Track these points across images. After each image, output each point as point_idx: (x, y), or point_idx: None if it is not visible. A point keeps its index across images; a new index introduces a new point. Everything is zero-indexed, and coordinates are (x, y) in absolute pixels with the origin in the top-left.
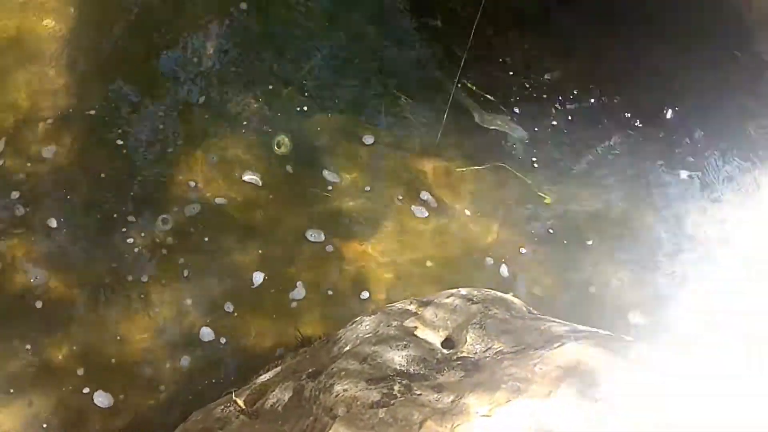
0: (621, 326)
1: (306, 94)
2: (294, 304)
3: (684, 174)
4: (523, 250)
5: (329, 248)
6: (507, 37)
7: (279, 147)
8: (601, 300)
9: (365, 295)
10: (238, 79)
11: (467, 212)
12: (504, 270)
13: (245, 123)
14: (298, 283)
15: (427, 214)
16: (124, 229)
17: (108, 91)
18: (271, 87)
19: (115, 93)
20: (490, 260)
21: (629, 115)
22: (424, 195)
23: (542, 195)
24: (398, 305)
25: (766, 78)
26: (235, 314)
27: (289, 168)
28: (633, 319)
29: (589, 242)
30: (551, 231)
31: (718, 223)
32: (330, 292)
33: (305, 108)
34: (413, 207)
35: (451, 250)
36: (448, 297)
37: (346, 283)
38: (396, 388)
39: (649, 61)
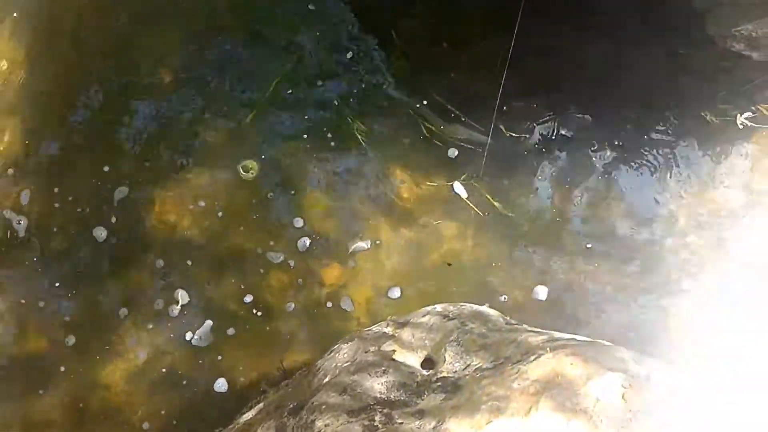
0: None
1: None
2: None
3: (644, 165)
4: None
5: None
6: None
7: (246, 171)
8: None
9: (347, 306)
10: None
11: (437, 223)
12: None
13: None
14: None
15: (398, 228)
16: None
17: (65, 128)
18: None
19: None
20: (465, 268)
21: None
22: (395, 210)
23: (497, 204)
24: (375, 329)
25: (719, 63)
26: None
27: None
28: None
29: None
30: None
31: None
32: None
33: (270, 133)
34: (384, 222)
35: (426, 261)
36: (424, 316)
37: (325, 303)
38: (377, 418)
39: (602, 57)
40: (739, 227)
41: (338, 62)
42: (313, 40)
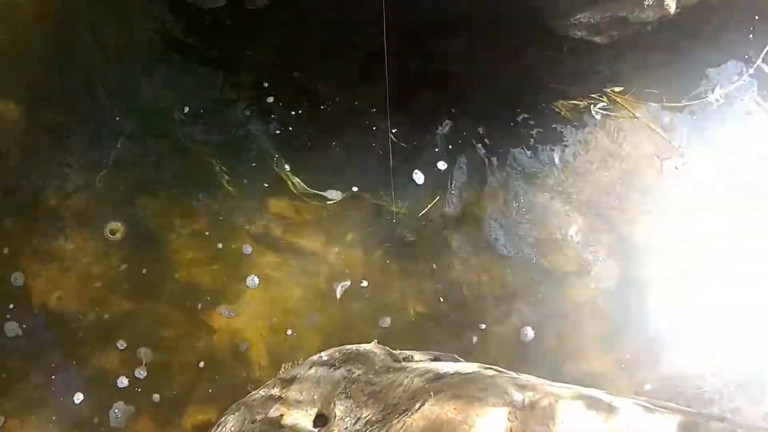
0: None
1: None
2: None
3: (509, 168)
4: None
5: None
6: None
7: (113, 234)
8: None
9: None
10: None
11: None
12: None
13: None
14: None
15: (282, 259)
16: None
17: None
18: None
19: None
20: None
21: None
22: (277, 242)
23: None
24: (261, 392)
25: (565, 56)
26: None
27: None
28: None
29: None
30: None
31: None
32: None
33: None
34: (267, 257)
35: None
36: (311, 367)
37: (221, 352)
38: None
39: (456, 74)
40: (624, 211)
41: (194, 109)
42: (165, 91)
